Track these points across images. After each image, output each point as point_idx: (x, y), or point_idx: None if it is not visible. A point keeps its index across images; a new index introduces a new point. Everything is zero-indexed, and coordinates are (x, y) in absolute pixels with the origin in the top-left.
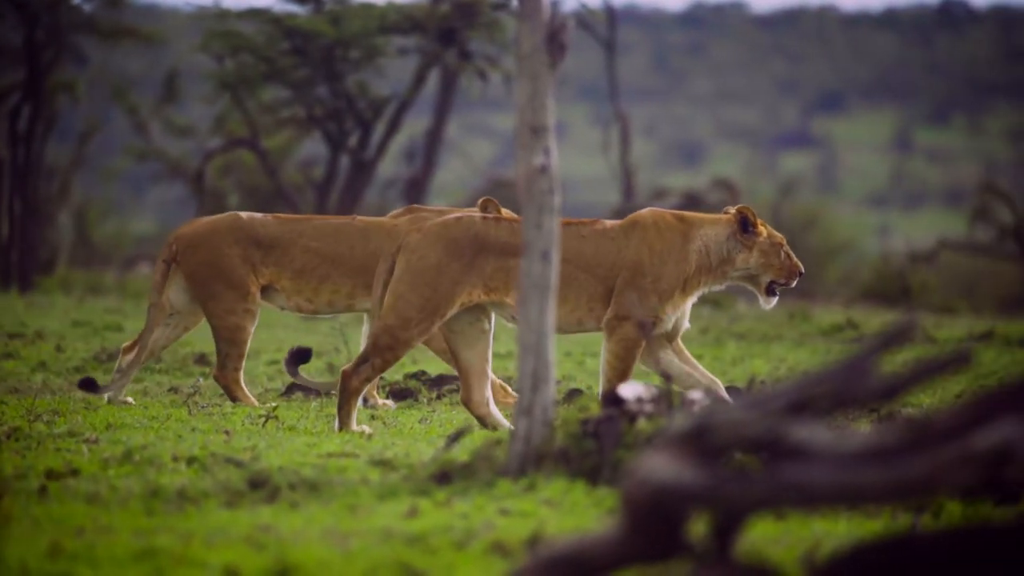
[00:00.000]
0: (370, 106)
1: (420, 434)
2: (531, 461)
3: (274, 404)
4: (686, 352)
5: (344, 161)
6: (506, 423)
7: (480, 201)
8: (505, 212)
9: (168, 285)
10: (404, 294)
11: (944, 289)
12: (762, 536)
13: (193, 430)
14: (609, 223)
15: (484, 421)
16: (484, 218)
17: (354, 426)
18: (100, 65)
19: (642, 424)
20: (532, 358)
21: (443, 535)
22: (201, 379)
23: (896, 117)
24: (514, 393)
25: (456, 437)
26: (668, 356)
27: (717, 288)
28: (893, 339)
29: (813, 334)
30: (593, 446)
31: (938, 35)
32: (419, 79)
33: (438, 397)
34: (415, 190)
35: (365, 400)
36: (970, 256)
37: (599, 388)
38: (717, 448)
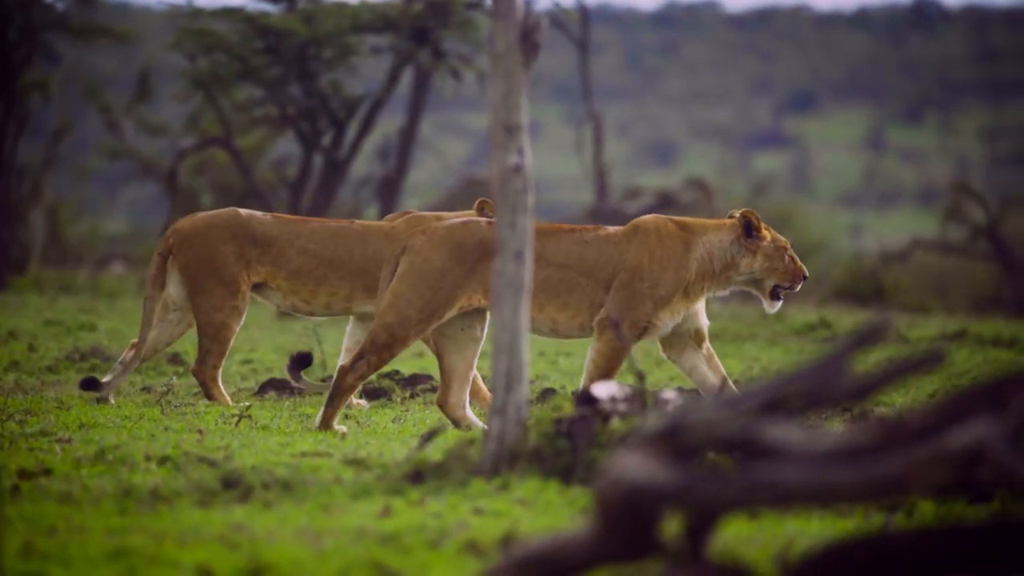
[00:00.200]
0: (343, 105)
1: (394, 433)
2: (505, 460)
3: (247, 403)
4: (715, 357)
5: (317, 160)
6: (481, 425)
7: (477, 203)
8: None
9: (169, 282)
10: (405, 293)
11: (917, 289)
12: (735, 535)
13: (166, 429)
14: (612, 229)
15: (458, 424)
16: (490, 224)
17: (335, 425)
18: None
19: (616, 424)
20: (506, 358)
21: (417, 534)
22: (174, 378)
23: (869, 117)
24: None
25: (430, 436)
26: (695, 358)
27: (721, 293)
28: (866, 339)
29: (786, 333)
30: (567, 446)
31: (911, 35)
32: (392, 78)
33: (411, 396)
34: (389, 189)
35: None
36: (943, 256)
37: (581, 386)
38: (690, 448)
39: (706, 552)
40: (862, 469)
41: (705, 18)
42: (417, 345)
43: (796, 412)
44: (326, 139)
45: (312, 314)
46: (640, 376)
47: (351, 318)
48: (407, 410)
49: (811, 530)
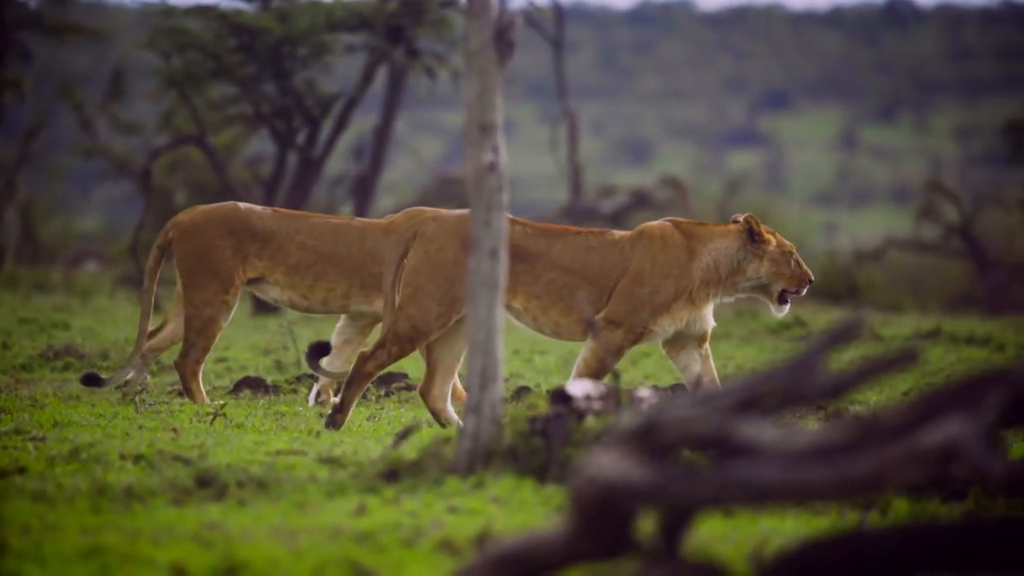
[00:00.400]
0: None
1: (368, 432)
2: (479, 459)
3: (222, 402)
4: (710, 358)
5: (292, 158)
6: (458, 421)
7: None
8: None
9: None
10: (423, 285)
11: (891, 287)
12: (710, 534)
13: (140, 428)
14: (618, 235)
15: (438, 416)
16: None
17: (351, 411)
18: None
19: (590, 422)
20: (481, 356)
21: (391, 533)
22: (148, 377)
23: (842, 115)
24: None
25: (404, 435)
26: (692, 357)
27: (727, 299)
28: (840, 337)
29: (760, 332)
30: (541, 444)
31: (884, 34)
32: (367, 76)
33: (386, 395)
34: (363, 188)
35: (318, 395)
36: (916, 254)
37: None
38: (665, 446)
39: (681, 550)
40: (836, 467)
41: (679, 17)
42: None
43: (771, 410)
44: (300, 137)
45: (309, 310)
46: (615, 375)
47: (342, 316)
48: (382, 408)
49: (786, 528)
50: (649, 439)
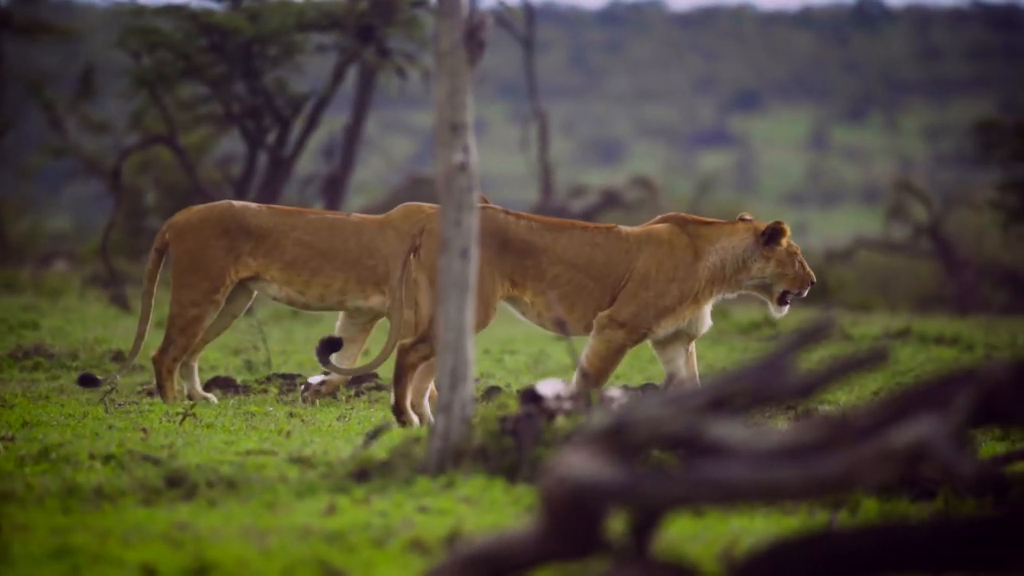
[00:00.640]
0: (288, 103)
1: (338, 432)
2: (450, 459)
3: (192, 402)
4: (694, 355)
5: (262, 158)
6: (430, 417)
7: None
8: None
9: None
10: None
11: (861, 287)
12: (680, 533)
13: (110, 428)
14: (625, 230)
15: (413, 410)
16: (506, 212)
17: (407, 402)
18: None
19: (561, 422)
20: (451, 356)
21: (362, 533)
22: (118, 376)
23: (812, 115)
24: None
25: (374, 435)
26: (678, 352)
27: (730, 296)
28: (810, 337)
29: (731, 331)
30: (512, 444)
31: (854, 34)
32: (337, 76)
33: (356, 395)
34: (334, 187)
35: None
36: (886, 254)
37: (573, 381)
38: (635, 445)
39: (651, 550)
40: (806, 467)
41: (649, 17)
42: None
43: (740, 410)
44: (271, 137)
45: (307, 306)
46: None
47: (340, 313)
48: (352, 408)
49: (756, 528)
50: (619, 439)
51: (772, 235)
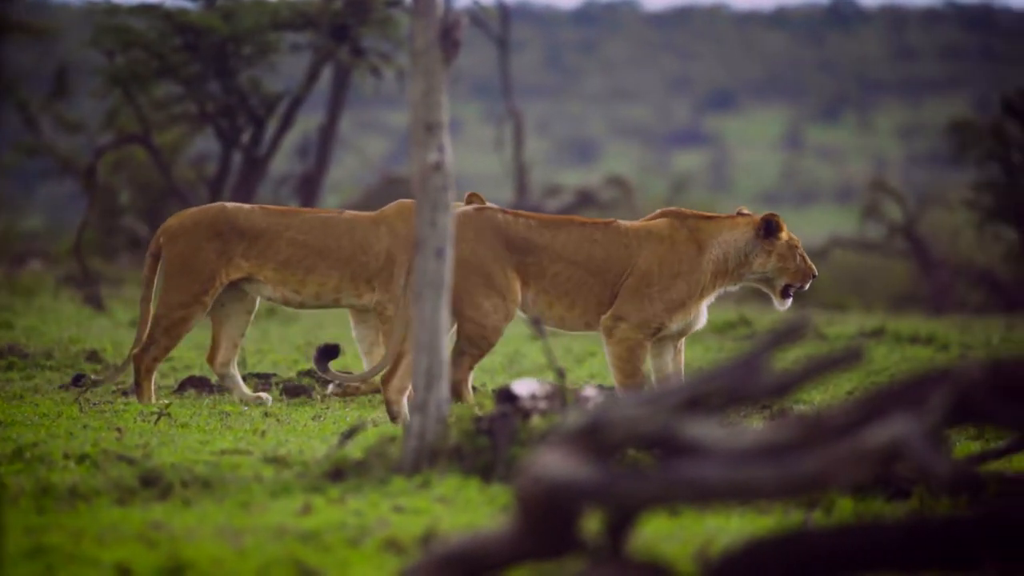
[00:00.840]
0: (263, 102)
1: (314, 431)
2: (425, 458)
3: (166, 401)
4: (682, 352)
5: (237, 157)
6: (406, 415)
7: (466, 196)
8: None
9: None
10: (464, 285)
11: (835, 286)
12: (656, 532)
13: (85, 427)
14: (624, 225)
15: (391, 408)
16: (504, 212)
17: (466, 387)
18: None
19: (536, 421)
20: (426, 356)
21: (337, 532)
22: (93, 376)
23: (787, 115)
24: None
25: (350, 434)
26: (667, 348)
27: (732, 289)
28: (785, 336)
29: (705, 331)
30: (487, 443)
31: (828, 33)
32: (312, 75)
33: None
34: (308, 187)
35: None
36: (861, 253)
37: (616, 387)
38: (611, 445)
39: (626, 549)
40: (781, 466)
41: (624, 16)
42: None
43: (716, 409)
44: (245, 136)
45: (303, 305)
46: (560, 373)
47: (353, 324)
48: (327, 408)
49: (731, 527)
50: (595, 438)
51: (769, 228)
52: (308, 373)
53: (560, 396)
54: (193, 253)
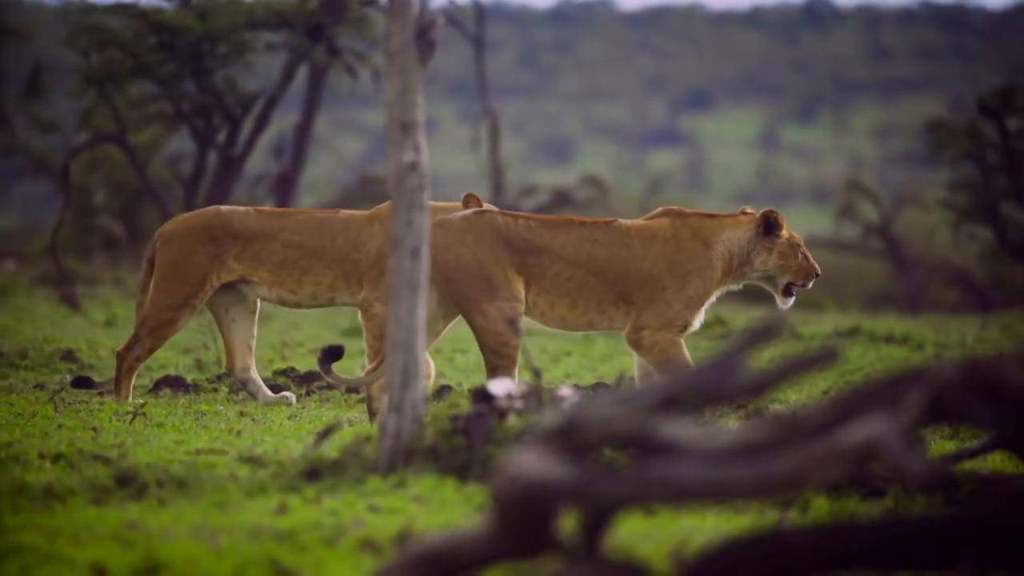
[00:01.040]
0: (238, 102)
1: (289, 431)
2: (401, 458)
3: (142, 401)
4: None
5: (212, 157)
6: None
7: (463, 196)
8: (487, 207)
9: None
10: (472, 296)
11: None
12: (631, 532)
13: (60, 427)
14: (625, 224)
15: (371, 405)
16: (503, 214)
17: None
18: None
19: (512, 421)
20: (402, 355)
21: (312, 532)
22: (68, 376)
23: (762, 115)
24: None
25: (325, 434)
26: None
27: (734, 288)
28: (760, 336)
29: None
30: (463, 443)
31: (804, 34)
32: (287, 75)
33: (307, 394)
34: (284, 186)
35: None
36: (836, 253)
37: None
38: (587, 445)
39: (602, 549)
40: (757, 466)
41: (600, 16)
42: (313, 342)
43: (691, 409)
44: (221, 136)
45: (299, 305)
46: (536, 373)
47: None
48: (303, 407)
49: (706, 526)
50: (570, 438)
51: (768, 225)
52: (284, 372)
53: (536, 396)
54: (186, 257)
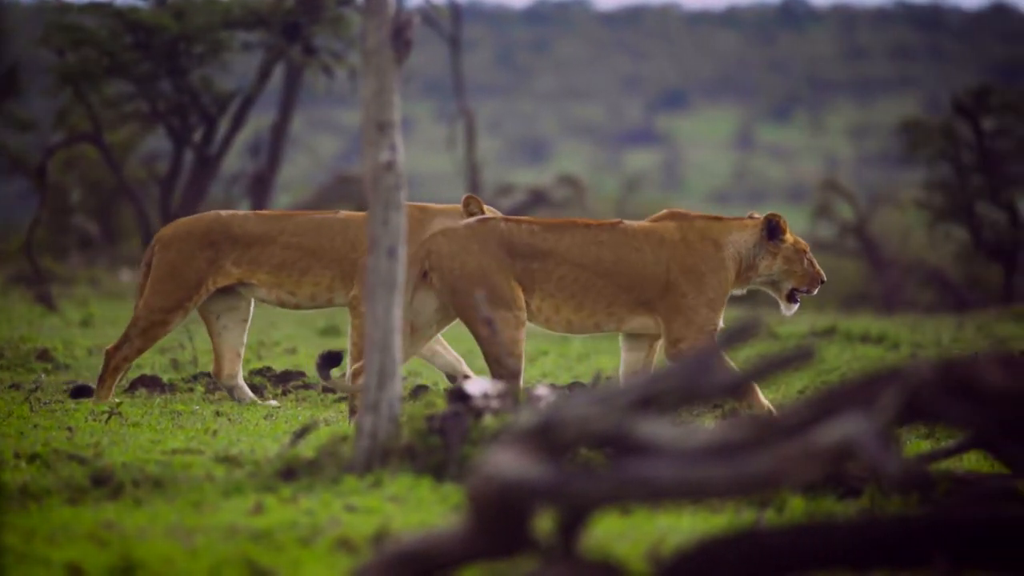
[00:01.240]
0: (214, 101)
1: (265, 430)
2: (377, 457)
3: (118, 400)
4: (655, 354)
5: (188, 156)
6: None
7: (463, 198)
8: (488, 210)
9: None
10: (473, 304)
11: None
12: (607, 531)
13: (35, 427)
14: (631, 226)
15: (352, 402)
16: (506, 219)
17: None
18: None
19: (488, 420)
20: (378, 354)
21: (289, 531)
22: (43, 376)
23: (738, 114)
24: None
25: (301, 433)
26: (639, 350)
27: (738, 293)
28: (737, 335)
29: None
30: (439, 442)
31: (779, 33)
32: (263, 74)
33: (284, 393)
34: (260, 186)
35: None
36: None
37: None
38: (563, 444)
39: (578, 548)
40: (733, 466)
41: (576, 15)
42: (289, 342)
43: (668, 408)
44: (197, 135)
45: (299, 307)
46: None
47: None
48: (279, 407)
49: (683, 526)
50: (547, 437)
51: (772, 229)
52: (260, 372)
53: (512, 395)
54: (185, 261)
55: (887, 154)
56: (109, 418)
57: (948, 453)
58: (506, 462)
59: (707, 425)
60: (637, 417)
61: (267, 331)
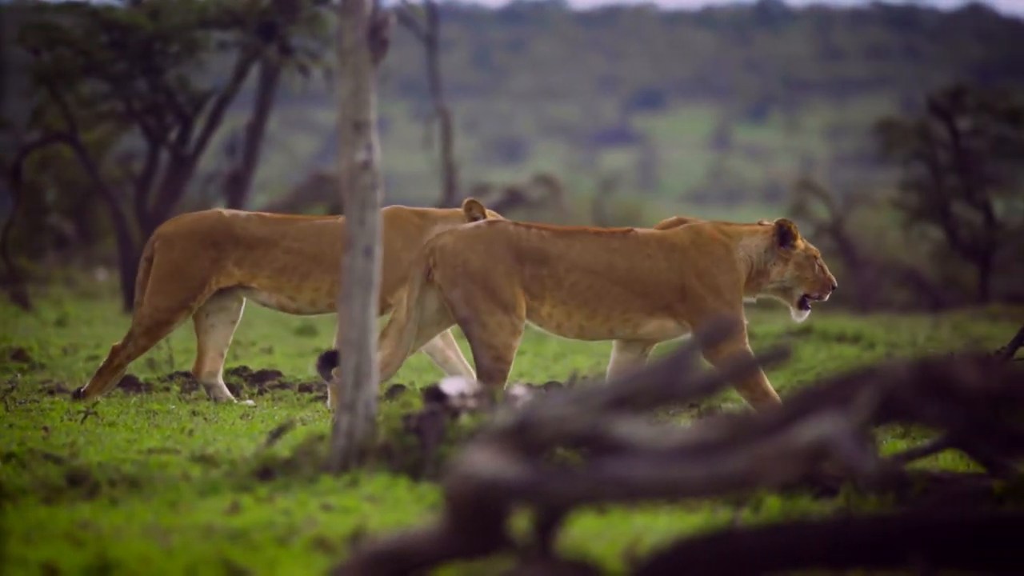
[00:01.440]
0: (190, 100)
1: (242, 430)
2: (354, 457)
3: (96, 399)
4: (647, 357)
5: (164, 156)
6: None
7: (465, 202)
8: (489, 214)
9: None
10: (479, 306)
11: None
12: (584, 531)
13: (11, 426)
14: (643, 234)
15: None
16: (515, 224)
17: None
18: None
19: (465, 420)
20: (355, 354)
21: (265, 531)
22: (19, 375)
23: (714, 114)
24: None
25: (278, 433)
26: (632, 351)
27: (749, 300)
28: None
29: None
30: (415, 442)
31: (755, 33)
32: (239, 73)
33: (260, 392)
34: (236, 185)
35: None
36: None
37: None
38: (540, 444)
39: (555, 547)
40: (709, 465)
41: (552, 15)
42: (265, 341)
43: (644, 408)
44: (172, 134)
45: (299, 311)
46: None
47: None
48: (256, 406)
49: (659, 525)
50: (523, 437)
51: (783, 235)
52: (237, 372)
53: (489, 395)
54: (187, 260)
55: (863, 154)
56: (85, 418)
57: (924, 452)
58: (482, 462)
59: (683, 425)
60: (613, 417)
61: (243, 331)
